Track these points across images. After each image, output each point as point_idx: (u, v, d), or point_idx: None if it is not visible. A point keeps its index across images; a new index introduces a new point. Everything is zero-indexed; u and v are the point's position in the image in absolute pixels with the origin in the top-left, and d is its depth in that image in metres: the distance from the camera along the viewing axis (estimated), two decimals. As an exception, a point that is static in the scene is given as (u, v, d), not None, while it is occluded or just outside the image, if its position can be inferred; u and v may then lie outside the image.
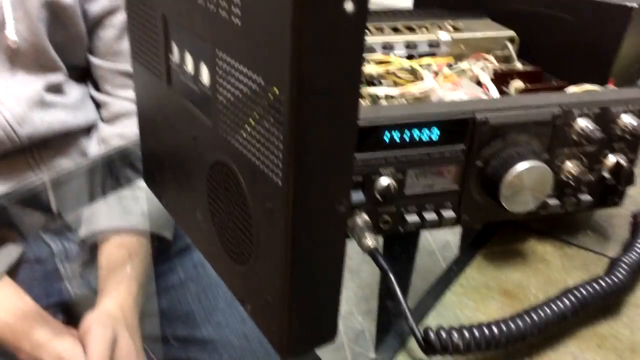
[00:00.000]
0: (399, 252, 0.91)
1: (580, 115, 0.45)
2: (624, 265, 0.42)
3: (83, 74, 0.81)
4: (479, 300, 0.43)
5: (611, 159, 0.47)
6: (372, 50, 0.56)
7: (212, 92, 0.36)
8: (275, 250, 0.33)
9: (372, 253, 0.41)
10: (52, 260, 0.74)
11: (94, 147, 0.79)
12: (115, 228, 0.71)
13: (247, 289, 0.38)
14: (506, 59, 0.61)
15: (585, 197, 0.48)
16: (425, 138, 0.43)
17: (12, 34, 0.68)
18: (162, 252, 0.76)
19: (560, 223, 0.52)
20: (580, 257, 0.48)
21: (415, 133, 0.42)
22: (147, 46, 0.44)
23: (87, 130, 0.80)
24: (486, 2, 0.66)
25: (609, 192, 0.48)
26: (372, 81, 0.52)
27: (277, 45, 0.27)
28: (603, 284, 0.40)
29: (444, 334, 0.36)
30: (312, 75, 0.27)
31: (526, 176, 0.43)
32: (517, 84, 0.55)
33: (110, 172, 0.73)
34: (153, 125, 0.48)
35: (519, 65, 0.58)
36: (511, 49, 0.60)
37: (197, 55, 0.37)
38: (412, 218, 0.45)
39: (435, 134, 0.43)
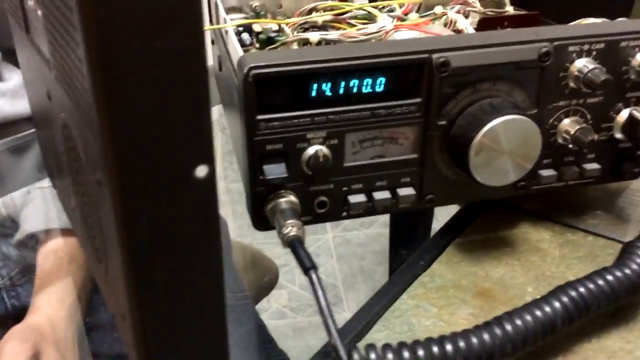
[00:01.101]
0: (405, 234, 0.80)
1: (580, 54, 0.33)
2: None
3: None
4: (444, 305, 0.32)
5: (624, 114, 0.35)
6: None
7: (44, 23, 0.26)
8: (112, 239, 0.23)
9: (291, 243, 0.30)
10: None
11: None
12: (53, 228, 0.62)
13: (109, 296, 0.28)
14: (497, 5, 0.49)
15: (592, 166, 0.36)
16: (367, 90, 0.32)
17: None
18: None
19: (561, 202, 0.40)
20: (587, 245, 0.37)
21: (354, 83, 0.32)
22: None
23: (29, 119, 0.72)
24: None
25: (624, 158, 0.37)
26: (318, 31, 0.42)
27: None
28: (611, 277, 0.29)
29: (373, 355, 0.25)
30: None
31: (503, 135, 0.32)
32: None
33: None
34: (32, 95, 0.38)
35: (510, 9, 0.47)
36: (501, -8, 0.49)
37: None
38: (357, 198, 0.34)
39: (381, 84, 0.32)
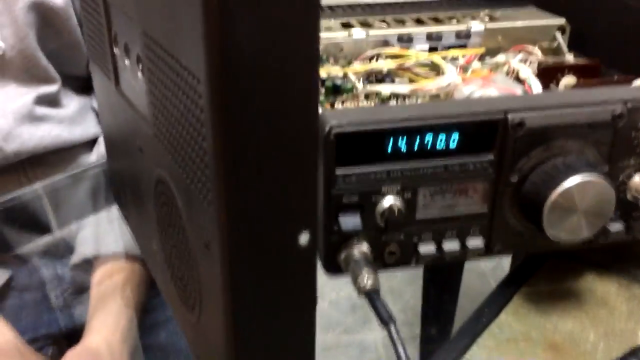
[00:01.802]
0: (440, 276, 0.80)
1: (652, 114, 0.34)
2: None
3: (85, 84, 0.75)
4: (516, 357, 0.32)
5: (695, 172, 0.35)
6: (386, 44, 0.47)
7: (147, 86, 0.27)
8: (216, 295, 0.24)
9: (369, 295, 0.31)
10: (42, 288, 0.68)
11: (93, 163, 0.73)
12: (108, 253, 0.64)
13: (198, 342, 0.29)
14: (555, 52, 0.50)
15: (660, 222, 0.37)
16: (441, 146, 0.33)
17: (-3, 41, 0.63)
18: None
19: (628, 254, 0.40)
20: (654, 300, 0.37)
21: (429, 139, 0.33)
22: (96, 39, 0.36)
23: (88, 145, 0.74)
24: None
25: (692, 214, 0.37)
26: (382, 79, 0.43)
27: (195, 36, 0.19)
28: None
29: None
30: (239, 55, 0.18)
31: (578, 195, 0.32)
32: (568, 80, 0.44)
33: (103, 184, 0.65)
34: (112, 137, 0.40)
35: (570, 58, 0.48)
36: (560, 39, 0.50)
37: (131, 41, 0.29)
38: (426, 249, 0.35)
39: (454, 140, 0.33)
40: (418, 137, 0.32)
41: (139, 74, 0.28)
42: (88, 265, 0.66)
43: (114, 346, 0.58)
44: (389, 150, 0.32)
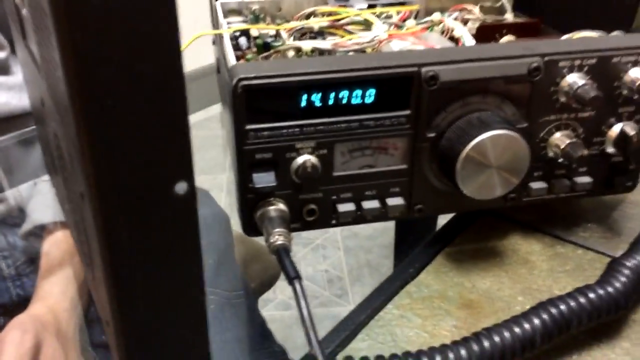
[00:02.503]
0: (411, 229, 0.80)
1: (571, 69, 0.33)
2: (625, 270, 0.31)
3: (36, 51, 0.74)
4: (429, 315, 0.32)
5: (616, 129, 0.35)
6: (325, 2, 0.46)
7: (35, 36, 0.26)
8: (96, 252, 0.23)
9: (278, 252, 0.31)
10: (-6, 256, 0.67)
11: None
12: (58, 220, 0.63)
13: (97, 301, 0.29)
14: (498, 11, 0.49)
15: (583, 180, 0.36)
16: (357, 101, 0.32)
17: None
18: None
19: (554, 214, 0.40)
20: (575, 259, 0.37)
21: (344, 94, 0.32)
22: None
23: (39, 112, 0.73)
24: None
25: (617, 172, 0.37)
26: (315, 37, 0.42)
27: None
28: (592, 295, 0.29)
29: (349, 369, 0.26)
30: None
31: (490, 150, 0.32)
32: (507, 39, 0.44)
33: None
34: (31, 100, 0.39)
35: (509, 17, 0.47)
36: (503, -2, 0.49)
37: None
38: (346, 207, 0.34)
39: (370, 95, 0.32)
40: (333, 92, 0.32)
41: (24, 11, 0.27)
42: (40, 233, 0.65)
43: (60, 314, 0.57)
44: (303, 104, 0.32)
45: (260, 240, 0.33)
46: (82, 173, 0.21)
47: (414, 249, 0.39)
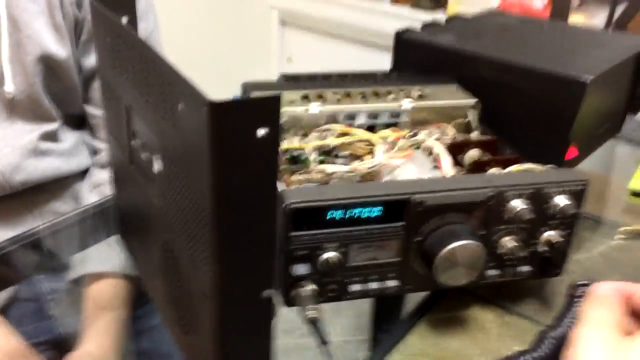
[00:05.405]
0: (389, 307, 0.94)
1: (514, 197, 0.48)
2: (550, 339, 0.45)
3: (79, 121, 0.86)
4: (414, 368, 0.46)
5: (545, 236, 0.50)
6: (335, 120, 0.60)
7: (162, 181, 0.40)
8: (208, 328, 0.36)
9: (312, 323, 0.44)
10: (42, 300, 0.79)
11: (86, 191, 0.84)
12: (101, 272, 0.76)
13: (191, 357, 0.42)
14: (467, 126, 0.64)
15: (524, 268, 0.51)
16: (365, 215, 0.46)
17: (9, 87, 0.73)
18: (144, 294, 0.80)
19: (504, 290, 0.54)
20: (518, 326, 0.51)
21: (357, 212, 0.46)
22: (116, 125, 0.48)
23: (81, 174, 0.85)
24: (458, 67, 0.69)
25: (548, 263, 0.51)
26: (330, 152, 0.56)
27: (202, 164, 0.31)
28: (528, 356, 0.43)
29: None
30: (229, 189, 0.31)
31: (459, 253, 0.46)
32: (472, 153, 0.58)
33: (102, 220, 0.77)
34: (123, 191, 0.52)
35: (474, 136, 0.62)
36: (471, 116, 0.64)
37: (151, 147, 0.41)
38: (355, 287, 0.48)
39: (376, 212, 0.46)
40: (349, 210, 0.46)
41: (155, 168, 0.41)
42: (82, 280, 0.77)
43: (107, 350, 0.70)
44: (328, 218, 0.46)
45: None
46: (211, 289, 0.35)
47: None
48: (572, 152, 0.66)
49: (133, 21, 0.48)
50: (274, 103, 0.30)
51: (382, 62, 0.84)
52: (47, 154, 0.79)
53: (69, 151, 0.83)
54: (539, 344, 0.45)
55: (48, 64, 0.76)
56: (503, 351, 0.48)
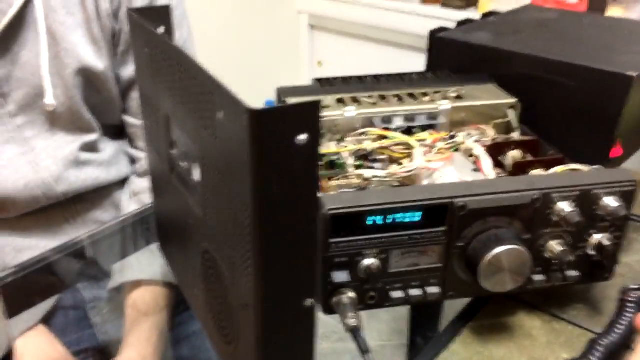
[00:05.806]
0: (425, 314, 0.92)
1: (561, 199, 0.46)
2: (600, 348, 0.43)
3: (118, 131, 0.88)
4: (459, 377, 0.45)
5: (594, 238, 0.48)
6: (371, 124, 0.59)
7: (202, 190, 0.40)
8: (250, 338, 0.36)
9: (353, 332, 0.43)
10: (84, 308, 0.80)
11: (126, 200, 0.85)
12: (141, 279, 0.77)
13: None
14: (507, 126, 0.63)
15: (572, 273, 0.49)
16: (406, 221, 0.45)
17: (50, 100, 0.75)
18: (184, 301, 0.80)
19: (552, 296, 0.53)
20: (567, 333, 0.49)
21: (397, 217, 0.45)
22: (155, 134, 0.49)
23: (120, 183, 0.86)
24: (495, 66, 0.68)
25: (597, 267, 0.49)
26: (367, 156, 0.56)
27: (242, 172, 0.31)
28: (578, 367, 0.42)
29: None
30: (270, 197, 0.31)
31: (504, 259, 0.45)
32: (513, 154, 0.57)
33: (142, 228, 0.78)
34: (162, 200, 0.52)
35: (515, 135, 0.60)
36: (511, 116, 0.62)
37: (190, 156, 0.41)
38: (396, 294, 0.47)
39: (416, 217, 0.45)
40: (391, 215, 0.45)
41: (195, 176, 0.41)
42: (122, 289, 0.78)
43: (148, 358, 0.70)
44: (368, 224, 0.45)
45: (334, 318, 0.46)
46: (253, 297, 0.34)
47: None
48: (616, 151, 0.63)
49: (169, 31, 0.48)
50: (313, 109, 0.30)
51: (413, 63, 0.83)
52: (88, 164, 0.80)
53: (109, 161, 0.84)
54: (590, 352, 0.43)
55: (86, 76, 0.77)
56: None
